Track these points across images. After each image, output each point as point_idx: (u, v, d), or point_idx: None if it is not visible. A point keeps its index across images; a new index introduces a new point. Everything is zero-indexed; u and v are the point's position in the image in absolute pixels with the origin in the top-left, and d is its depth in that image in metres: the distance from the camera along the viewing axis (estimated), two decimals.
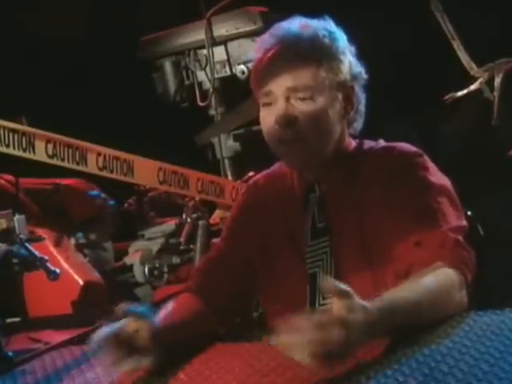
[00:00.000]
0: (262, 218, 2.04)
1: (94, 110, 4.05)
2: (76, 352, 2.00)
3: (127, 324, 1.74)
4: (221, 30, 3.53)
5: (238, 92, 3.38)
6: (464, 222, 1.86)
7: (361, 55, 1.98)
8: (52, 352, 2.06)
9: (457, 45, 3.16)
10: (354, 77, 1.95)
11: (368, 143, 2.01)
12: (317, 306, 1.92)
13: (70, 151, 2.83)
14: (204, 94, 3.63)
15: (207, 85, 3.61)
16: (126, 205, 3.51)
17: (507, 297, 2.37)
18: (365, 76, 1.98)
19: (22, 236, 2.19)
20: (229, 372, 1.65)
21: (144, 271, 3.26)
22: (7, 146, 2.74)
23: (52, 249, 3.03)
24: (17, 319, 2.79)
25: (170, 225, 3.40)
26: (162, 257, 3.32)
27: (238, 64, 3.50)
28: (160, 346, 1.75)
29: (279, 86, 1.90)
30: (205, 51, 3.57)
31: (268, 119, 1.93)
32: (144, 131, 4.02)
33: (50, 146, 2.79)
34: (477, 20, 3.51)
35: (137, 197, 3.50)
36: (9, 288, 2.84)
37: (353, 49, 1.97)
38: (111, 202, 3.34)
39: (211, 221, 3.31)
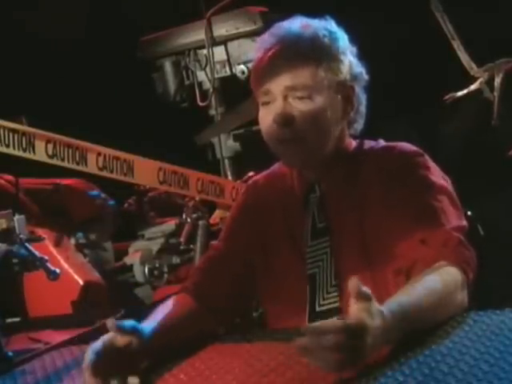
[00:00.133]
0: (261, 217, 2.04)
1: (94, 110, 4.04)
2: (76, 352, 2.00)
3: (116, 340, 1.71)
4: (221, 30, 3.53)
5: (238, 92, 3.38)
6: (464, 222, 1.86)
7: (361, 55, 1.98)
8: (52, 352, 2.06)
9: (457, 45, 3.16)
10: (355, 77, 1.95)
11: (368, 143, 2.01)
12: (316, 306, 1.92)
13: (70, 151, 2.83)
14: (204, 94, 3.63)
15: (207, 85, 3.61)
16: (126, 205, 3.51)
17: (507, 297, 2.38)
18: (366, 77, 1.98)
19: (22, 236, 2.19)
20: (229, 372, 1.65)
21: (144, 271, 3.26)
22: (7, 146, 2.74)
23: (52, 249, 3.02)
24: (17, 319, 2.78)
25: (170, 225, 3.40)
26: (161, 257, 3.32)
27: (238, 64, 3.50)
28: (152, 354, 1.74)
29: (278, 84, 1.90)
30: (205, 51, 3.57)
31: (266, 118, 1.93)
32: (144, 131, 4.02)
33: (50, 146, 2.79)
34: (477, 20, 3.51)
35: (137, 197, 3.50)
36: (9, 288, 2.84)
37: (354, 49, 1.97)
38: (111, 202, 3.34)
39: (211, 221, 3.31)
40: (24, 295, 3.02)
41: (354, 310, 1.48)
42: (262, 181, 2.11)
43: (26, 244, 2.20)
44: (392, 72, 3.73)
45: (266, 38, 1.96)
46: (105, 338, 1.71)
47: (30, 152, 2.76)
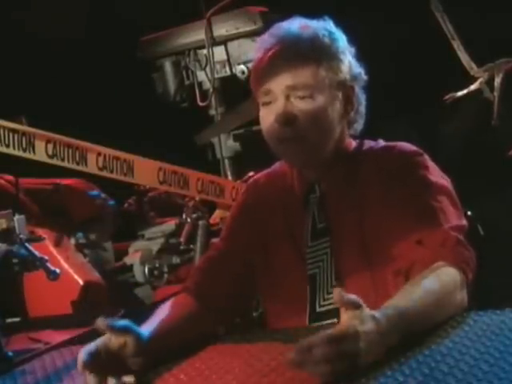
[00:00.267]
0: (262, 217, 2.04)
1: (94, 110, 4.04)
2: (76, 352, 1.99)
3: (110, 341, 1.71)
4: (221, 30, 3.53)
5: (238, 92, 3.38)
6: (464, 222, 1.86)
7: (361, 55, 1.98)
8: (52, 352, 2.06)
9: (457, 45, 3.16)
10: (354, 77, 1.95)
11: (368, 143, 2.01)
12: (317, 306, 1.92)
13: (70, 151, 2.83)
14: (204, 94, 3.63)
15: (207, 85, 3.62)
16: (126, 205, 3.51)
17: (507, 297, 2.37)
18: (365, 77, 1.98)
19: (22, 236, 2.19)
20: (229, 372, 1.65)
21: (144, 271, 3.26)
22: (7, 146, 2.74)
23: (52, 249, 3.02)
24: (17, 319, 2.78)
25: (170, 225, 3.40)
26: (161, 257, 3.31)
27: (238, 64, 3.50)
28: (150, 356, 1.74)
29: (279, 84, 1.90)
30: (205, 51, 3.57)
31: (268, 118, 1.93)
32: (144, 131, 4.02)
33: (50, 146, 2.79)
34: (477, 20, 3.51)
35: (137, 197, 3.50)
36: (9, 288, 2.84)
37: (353, 50, 1.97)
38: (111, 202, 3.34)
39: (211, 221, 3.31)
40: (24, 295, 3.02)
41: (344, 318, 1.49)
42: (262, 180, 2.11)
43: (26, 244, 2.20)
44: (392, 72, 3.73)
45: (266, 39, 1.96)
46: (98, 340, 1.71)
47: (29, 152, 2.76)
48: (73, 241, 3.23)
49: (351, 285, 1.90)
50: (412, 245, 1.79)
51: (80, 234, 3.27)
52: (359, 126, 2.00)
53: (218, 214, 3.32)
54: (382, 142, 2.01)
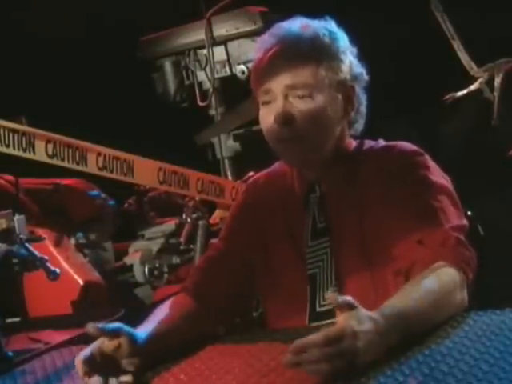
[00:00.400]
0: (261, 217, 2.04)
1: (94, 110, 4.04)
2: (76, 352, 1.99)
3: (104, 344, 1.71)
4: (221, 30, 3.53)
5: (238, 92, 3.38)
6: (465, 221, 1.86)
7: (361, 55, 1.98)
8: (52, 352, 2.06)
9: (457, 45, 3.16)
10: (355, 77, 1.95)
11: (368, 143, 2.01)
12: (317, 306, 1.92)
13: (70, 151, 2.83)
14: (204, 94, 3.63)
15: (207, 85, 3.62)
16: (126, 205, 3.51)
17: (507, 297, 2.37)
18: (366, 77, 1.98)
19: (22, 236, 2.19)
20: (229, 372, 1.65)
21: (144, 271, 3.26)
22: (7, 146, 2.74)
23: (52, 249, 3.03)
24: (17, 319, 2.78)
25: (170, 225, 3.40)
26: (162, 257, 3.32)
27: (238, 64, 3.50)
28: (148, 356, 1.74)
29: (278, 83, 1.90)
30: (205, 51, 3.57)
31: (267, 118, 1.93)
32: (144, 131, 4.02)
33: (50, 146, 2.79)
34: (477, 20, 3.51)
35: (137, 197, 3.50)
36: (9, 288, 2.84)
37: (354, 50, 1.97)
38: (111, 202, 3.34)
39: (211, 221, 3.31)
40: (24, 295, 3.02)
41: (341, 318, 1.50)
42: (262, 180, 2.11)
43: (26, 244, 2.20)
44: (392, 72, 3.73)
45: (266, 39, 1.96)
46: (93, 344, 1.71)
47: (30, 152, 2.76)
48: (73, 241, 3.23)
49: (351, 285, 1.90)
50: (412, 245, 1.79)
51: (80, 234, 3.27)
52: (360, 126, 2.00)
53: (217, 214, 3.32)
54: (382, 142, 2.01)
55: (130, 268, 3.30)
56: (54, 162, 2.81)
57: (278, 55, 1.91)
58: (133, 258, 3.32)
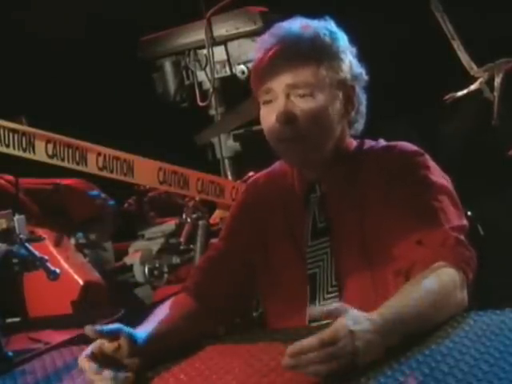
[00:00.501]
0: (261, 216, 2.04)
1: (94, 110, 4.04)
2: (76, 352, 1.99)
3: (103, 346, 1.71)
4: (221, 29, 3.53)
5: (238, 92, 3.38)
6: (465, 221, 1.86)
7: (361, 55, 1.98)
8: (52, 352, 2.06)
9: (457, 45, 3.16)
10: (355, 77, 1.95)
11: (368, 143, 2.01)
12: (317, 306, 1.92)
13: (70, 151, 2.83)
14: (204, 94, 3.63)
15: (207, 85, 3.62)
16: (126, 205, 3.51)
17: (507, 297, 2.38)
18: (365, 77, 1.98)
19: (22, 236, 2.19)
20: (229, 372, 1.65)
21: (144, 271, 3.26)
22: (7, 146, 2.74)
23: (52, 249, 3.03)
24: (17, 319, 2.78)
25: (170, 225, 3.40)
26: (162, 257, 3.32)
27: (238, 64, 3.50)
28: (148, 356, 1.74)
29: (279, 83, 1.90)
30: (205, 51, 3.57)
31: (268, 117, 1.93)
32: (144, 131, 4.02)
33: (50, 146, 2.79)
34: (477, 20, 3.51)
35: (137, 197, 3.50)
36: (9, 288, 2.84)
37: (354, 50, 1.97)
38: (111, 202, 3.34)
39: (211, 221, 3.31)
40: (24, 295, 3.02)
41: (337, 321, 1.50)
42: (262, 179, 2.11)
43: (26, 244, 2.20)
44: (392, 72, 3.73)
45: (267, 39, 1.96)
46: (93, 344, 1.71)
47: (30, 152, 2.76)
48: (73, 241, 3.23)
49: (351, 285, 1.90)
50: (412, 245, 1.79)
51: (80, 234, 3.27)
52: (360, 125, 2.00)
53: (217, 214, 3.32)
54: (382, 142, 2.01)
55: (130, 268, 3.30)
56: (54, 162, 2.81)
57: (278, 55, 1.91)
58: (133, 257, 3.31)
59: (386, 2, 3.80)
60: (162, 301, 2.03)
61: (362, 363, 1.47)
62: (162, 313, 1.91)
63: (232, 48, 3.55)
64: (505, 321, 1.61)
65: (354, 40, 1.98)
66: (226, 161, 3.58)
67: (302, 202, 2.00)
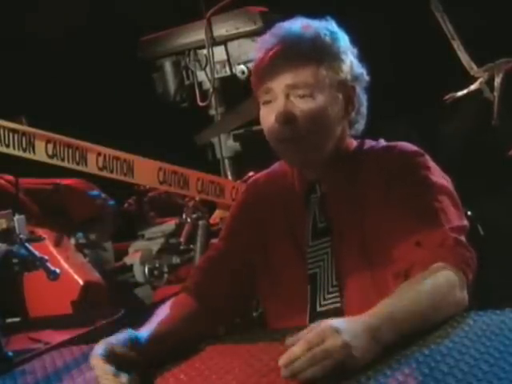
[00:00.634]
0: (262, 216, 2.04)
1: (93, 109, 4.04)
2: (76, 352, 2.00)
3: (115, 347, 1.71)
4: (221, 29, 3.53)
5: (238, 92, 3.38)
6: (465, 222, 1.86)
7: (361, 56, 1.98)
8: (52, 352, 2.06)
9: (457, 45, 3.16)
10: (356, 77, 1.95)
11: (368, 143, 2.01)
12: (317, 306, 1.92)
13: (70, 151, 2.83)
14: (204, 94, 3.63)
15: (207, 85, 3.61)
16: (126, 205, 3.51)
17: (507, 297, 2.38)
18: (366, 78, 1.98)
19: (22, 236, 2.19)
20: (229, 372, 1.65)
21: (144, 271, 3.26)
22: (7, 146, 2.74)
23: (52, 249, 3.03)
24: (17, 319, 2.78)
25: (170, 225, 3.40)
26: (162, 257, 3.32)
27: (238, 64, 3.50)
28: (150, 356, 1.75)
29: (279, 83, 1.90)
30: (205, 51, 3.57)
31: (268, 117, 1.93)
32: (144, 131, 4.02)
33: (50, 146, 2.79)
34: (477, 20, 3.51)
35: (137, 197, 3.50)
36: (9, 288, 2.84)
37: (355, 50, 1.97)
38: (111, 202, 3.34)
39: (211, 221, 3.31)
40: (24, 295, 3.02)
41: (321, 323, 1.53)
42: (262, 179, 2.11)
43: (26, 244, 2.20)
44: (392, 72, 3.73)
45: (267, 38, 1.96)
46: (104, 344, 1.71)
47: (29, 152, 2.76)
48: (73, 241, 3.23)
49: (351, 285, 1.90)
50: (411, 246, 1.79)
51: (80, 234, 3.27)
52: (360, 126, 2.00)
53: (217, 214, 3.32)
54: (382, 142, 2.01)
55: (130, 268, 3.30)
56: (54, 162, 2.81)
57: (278, 55, 1.91)
58: (133, 257, 3.31)
59: (386, 2, 3.80)
60: (162, 301, 2.03)
61: (361, 359, 1.48)
62: (162, 313, 1.91)
63: (232, 48, 3.55)
64: (505, 321, 1.61)
65: (354, 40, 1.98)
66: (226, 161, 3.58)
67: (302, 202, 2.00)
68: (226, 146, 3.58)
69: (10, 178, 2.91)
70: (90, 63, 4.12)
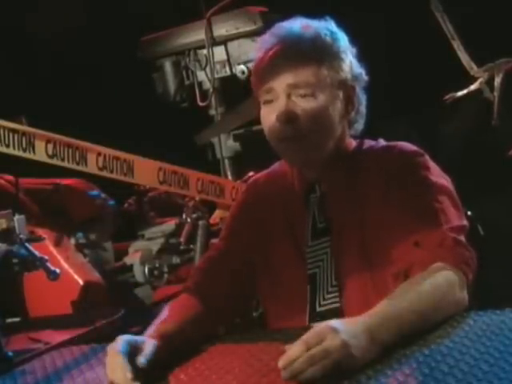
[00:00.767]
0: (262, 216, 2.04)
1: (94, 109, 4.04)
2: (76, 352, 2.00)
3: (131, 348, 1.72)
4: (221, 29, 3.53)
5: (238, 92, 3.38)
6: (465, 222, 1.86)
7: (361, 55, 1.98)
8: (52, 352, 2.06)
9: (457, 45, 3.16)
10: (355, 77, 1.95)
11: (368, 143, 2.01)
12: (317, 306, 1.92)
13: (70, 151, 2.83)
14: (204, 94, 3.62)
15: (207, 85, 3.61)
16: (126, 205, 3.51)
17: (507, 297, 2.37)
18: (366, 78, 1.98)
19: (22, 236, 2.19)
20: (229, 372, 1.65)
21: (144, 271, 3.26)
22: (7, 146, 2.74)
23: (52, 249, 3.02)
24: (17, 319, 2.78)
25: (170, 225, 3.40)
26: (161, 257, 3.31)
27: (238, 64, 3.50)
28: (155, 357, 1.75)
29: (280, 82, 1.90)
30: (205, 51, 3.57)
31: (269, 116, 1.93)
32: (144, 131, 4.02)
33: (50, 146, 2.79)
34: (477, 20, 3.51)
35: (137, 197, 3.50)
36: (9, 288, 2.84)
37: (354, 50, 1.97)
38: (111, 202, 3.34)
39: (211, 221, 3.31)
40: (24, 295, 3.02)
41: (318, 325, 1.54)
42: (262, 179, 2.11)
43: (26, 244, 2.20)
44: (392, 72, 3.73)
45: (267, 38, 1.96)
46: (124, 344, 1.71)
47: (30, 152, 2.76)
48: (73, 241, 3.23)
49: (351, 285, 1.90)
50: (410, 246, 1.79)
51: (80, 234, 3.27)
52: (360, 125, 2.00)
53: (217, 214, 3.32)
54: (382, 142, 2.01)
55: (130, 268, 3.30)
56: (54, 162, 2.81)
57: (279, 55, 1.91)
58: (133, 258, 3.31)
59: (386, 2, 3.80)
60: (161, 301, 2.03)
61: (361, 358, 1.48)
62: (163, 314, 1.91)
63: (232, 48, 3.55)
64: (505, 321, 1.61)
65: (353, 40, 1.98)
66: (226, 161, 3.58)
67: (301, 202, 2.00)
68: (226, 146, 3.58)
69: (10, 178, 2.91)
70: (90, 63, 4.12)
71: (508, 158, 3.09)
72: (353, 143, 2.01)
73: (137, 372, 1.67)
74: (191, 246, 3.33)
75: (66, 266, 3.00)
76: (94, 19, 4.17)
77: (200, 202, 3.29)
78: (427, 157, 1.93)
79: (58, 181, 3.17)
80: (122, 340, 1.71)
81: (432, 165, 1.92)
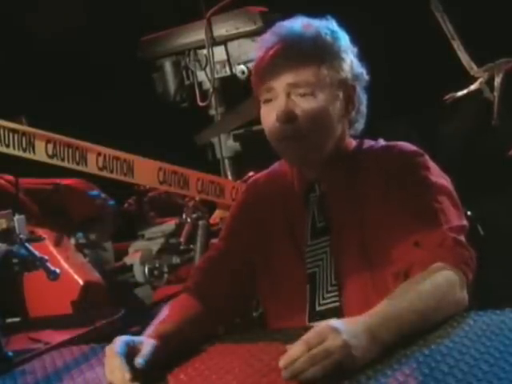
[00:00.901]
0: (261, 216, 2.04)
1: (94, 109, 4.04)
2: (76, 352, 2.00)
3: (130, 350, 1.72)
4: (221, 29, 3.53)
5: (238, 92, 3.38)
6: (465, 222, 1.86)
7: (361, 55, 1.98)
8: (52, 352, 2.06)
9: (457, 45, 3.16)
10: (356, 77, 1.95)
11: (368, 143, 2.01)
12: (316, 305, 1.92)
13: (70, 151, 2.83)
14: (204, 94, 3.62)
15: (207, 85, 3.61)
16: (126, 205, 3.51)
17: (507, 297, 2.38)
18: (366, 77, 1.98)
19: (22, 236, 2.19)
20: (229, 372, 1.65)
21: (144, 271, 3.26)
22: (7, 146, 2.74)
23: (52, 249, 3.02)
24: (17, 319, 2.78)
25: (170, 225, 3.40)
26: (161, 257, 3.31)
27: (238, 64, 3.50)
28: (154, 357, 1.75)
29: (280, 81, 1.90)
30: (205, 51, 3.57)
31: (269, 116, 1.93)
32: (144, 131, 4.02)
33: (50, 146, 2.79)
34: (477, 20, 3.51)
35: (137, 197, 3.49)
36: (9, 288, 2.84)
37: (355, 49, 1.97)
38: (111, 202, 3.34)
39: (211, 221, 3.31)
40: (24, 295, 3.02)
41: (319, 325, 1.54)
42: (262, 179, 2.11)
43: (26, 244, 2.20)
44: (392, 72, 3.73)
45: (268, 37, 1.96)
46: (123, 344, 1.71)
47: (30, 152, 2.76)
48: (73, 241, 3.23)
49: (351, 284, 1.90)
50: (410, 247, 1.79)
51: (80, 234, 3.27)
52: (360, 125, 2.00)
53: (217, 214, 3.32)
54: (382, 142, 2.01)
55: (130, 268, 3.30)
56: (54, 162, 2.81)
57: (279, 54, 1.91)
58: (133, 258, 3.31)
59: (387, 2, 3.80)
60: (162, 301, 2.03)
61: (361, 358, 1.48)
62: (163, 314, 1.91)
63: (232, 48, 3.55)
64: (505, 321, 1.61)
65: (354, 40, 1.98)
66: (226, 161, 3.58)
67: (301, 202, 2.00)
68: (226, 146, 3.58)
69: (10, 178, 2.91)
70: (90, 63, 4.12)
71: (508, 157, 3.09)
72: (353, 143, 2.01)
73: (135, 372, 1.67)
74: (191, 245, 3.33)
75: (65, 266, 3.00)
76: (94, 19, 4.17)
77: (200, 202, 3.29)
78: (427, 157, 1.93)
79: (58, 181, 3.17)
80: (119, 341, 1.71)
81: (432, 165, 1.92)
